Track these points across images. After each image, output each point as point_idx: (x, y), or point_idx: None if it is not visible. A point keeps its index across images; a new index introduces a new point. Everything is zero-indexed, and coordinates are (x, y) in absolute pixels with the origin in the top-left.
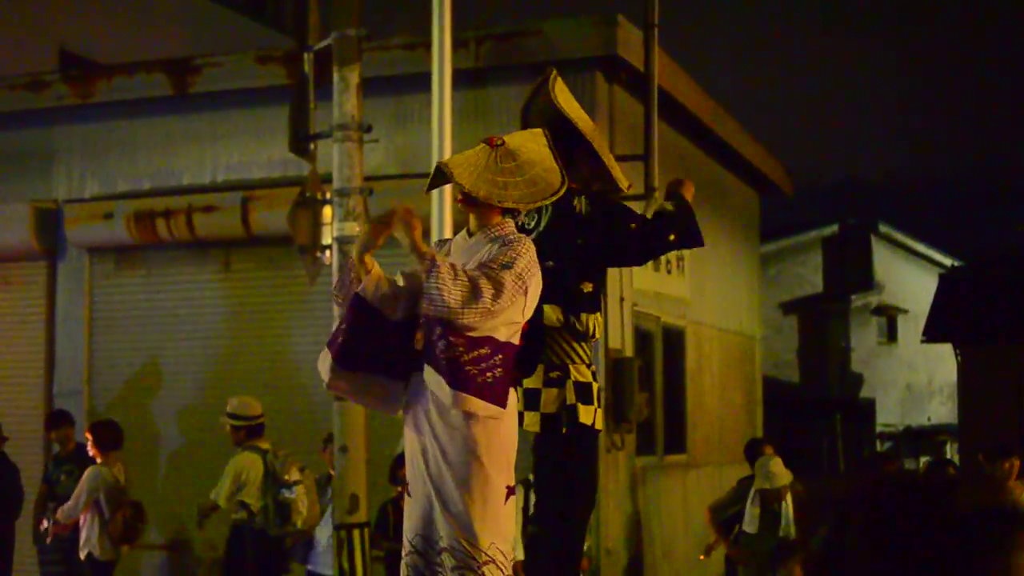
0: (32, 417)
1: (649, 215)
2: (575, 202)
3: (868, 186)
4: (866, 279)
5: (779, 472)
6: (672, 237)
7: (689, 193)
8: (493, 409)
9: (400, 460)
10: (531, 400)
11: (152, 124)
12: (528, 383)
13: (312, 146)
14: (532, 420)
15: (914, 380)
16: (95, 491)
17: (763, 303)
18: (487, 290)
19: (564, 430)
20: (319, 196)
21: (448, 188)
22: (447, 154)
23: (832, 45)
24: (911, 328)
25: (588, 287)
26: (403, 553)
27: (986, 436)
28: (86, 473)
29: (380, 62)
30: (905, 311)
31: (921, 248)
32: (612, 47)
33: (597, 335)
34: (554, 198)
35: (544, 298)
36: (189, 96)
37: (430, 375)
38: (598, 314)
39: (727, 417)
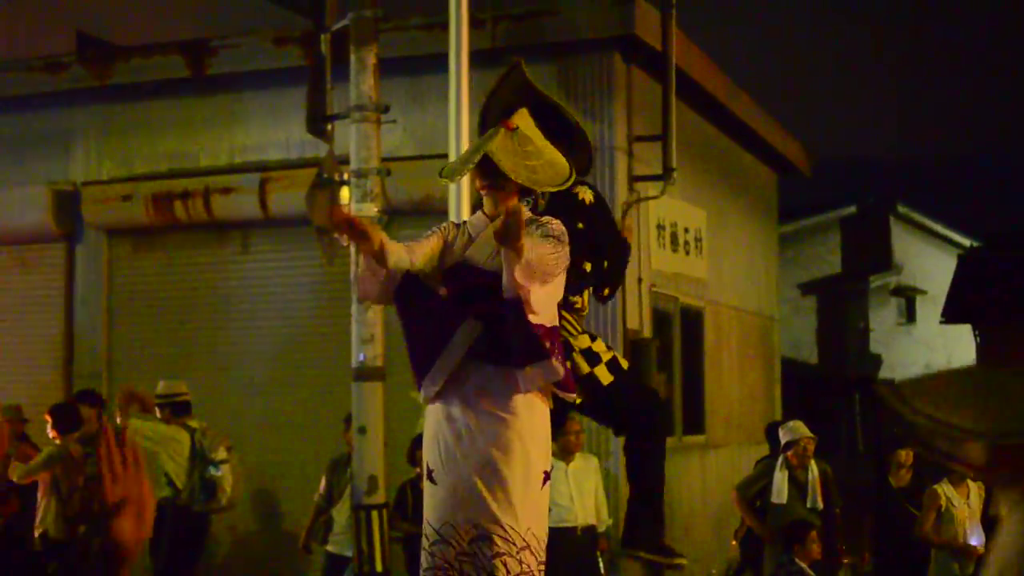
0: (51, 399)
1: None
2: (577, 189)
3: (887, 166)
4: (885, 260)
5: (800, 427)
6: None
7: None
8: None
9: (418, 441)
10: None
11: (169, 106)
12: None
13: (329, 127)
14: None
15: (933, 361)
16: (51, 465)
17: (781, 283)
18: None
19: (577, 400)
20: (336, 177)
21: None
22: (464, 135)
23: (850, 24)
24: (930, 309)
25: (588, 266)
26: (426, 543)
27: None
28: (45, 448)
29: (397, 43)
30: (924, 292)
31: (940, 228)
32: (630, 27)
33: (587, 308)
34: (572, 179)
35: None
36: (206, 77)
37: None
38: (590, 288)
39: (745, 398)
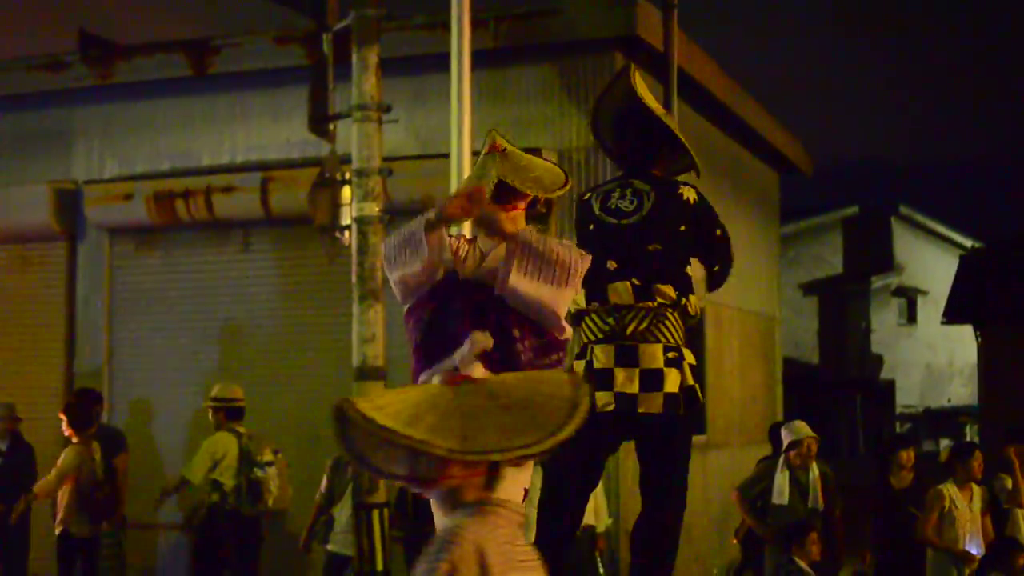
0: (51, 397)
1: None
2: (682, 190)
3: (889, 167)
4: (886, 260)
5: (803, 427)
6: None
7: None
8: None
9: None
10: (654, 381)
11: (171, 105)
12: (648, 364)
13: (331, 126)
14: (655, 402)
15: (934, 361)
16: (73, 469)
17: (783, 284)
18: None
19: (681, 410)
20: (338, 176)
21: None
22: (466, 135)
23: (853, 25)
24: (931, 309)
25: (691, 271)
26: None
27: (1007, 418)
28: (64, 452)
29: (399, 42)
30: (925, 292)
31: (941, 229)
32: (631, 27)
33: (697, 316)
34: (568, 183)
35: (658, 278)
36: (208, 77)
37: None
38: (695, 296)
39: (747, 398)
